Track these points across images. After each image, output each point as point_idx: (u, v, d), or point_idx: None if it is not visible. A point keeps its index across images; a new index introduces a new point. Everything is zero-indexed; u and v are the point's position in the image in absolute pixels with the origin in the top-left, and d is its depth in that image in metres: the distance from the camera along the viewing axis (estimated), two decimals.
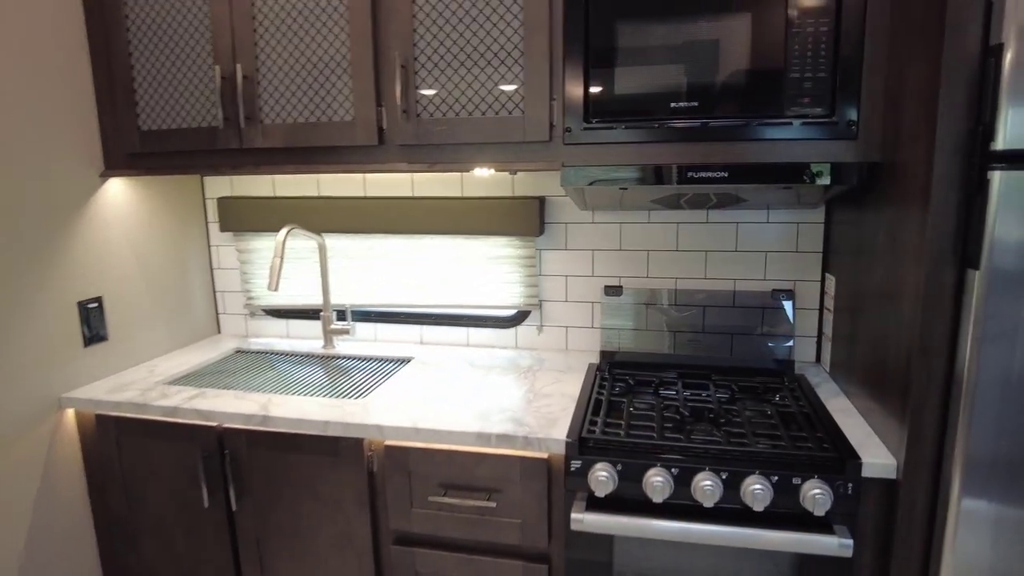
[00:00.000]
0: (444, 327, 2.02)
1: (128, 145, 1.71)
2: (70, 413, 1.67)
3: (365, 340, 2.08)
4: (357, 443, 1.44)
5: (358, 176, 1.99)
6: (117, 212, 1.80)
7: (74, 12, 1.66)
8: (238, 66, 1.57)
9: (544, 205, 1.87)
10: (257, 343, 2.09)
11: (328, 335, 2.01)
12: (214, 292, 2.19)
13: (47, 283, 1.61)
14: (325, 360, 1.96)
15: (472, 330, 2.01)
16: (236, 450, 1.52)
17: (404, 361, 1.91)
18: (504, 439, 1.34)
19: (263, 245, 2.10)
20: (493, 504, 1.37)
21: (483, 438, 1.35)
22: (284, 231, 1.78)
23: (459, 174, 1.91)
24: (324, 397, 1.58)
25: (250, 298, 2.15)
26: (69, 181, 1.66)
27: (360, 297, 2.05)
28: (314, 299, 2.10)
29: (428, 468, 1.40)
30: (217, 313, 2.21)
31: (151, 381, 1.72)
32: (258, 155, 1.64)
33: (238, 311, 2.19)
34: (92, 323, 1.72)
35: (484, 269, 1.95)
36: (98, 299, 1.74)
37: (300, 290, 2.10)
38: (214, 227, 2.15)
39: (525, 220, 1.84)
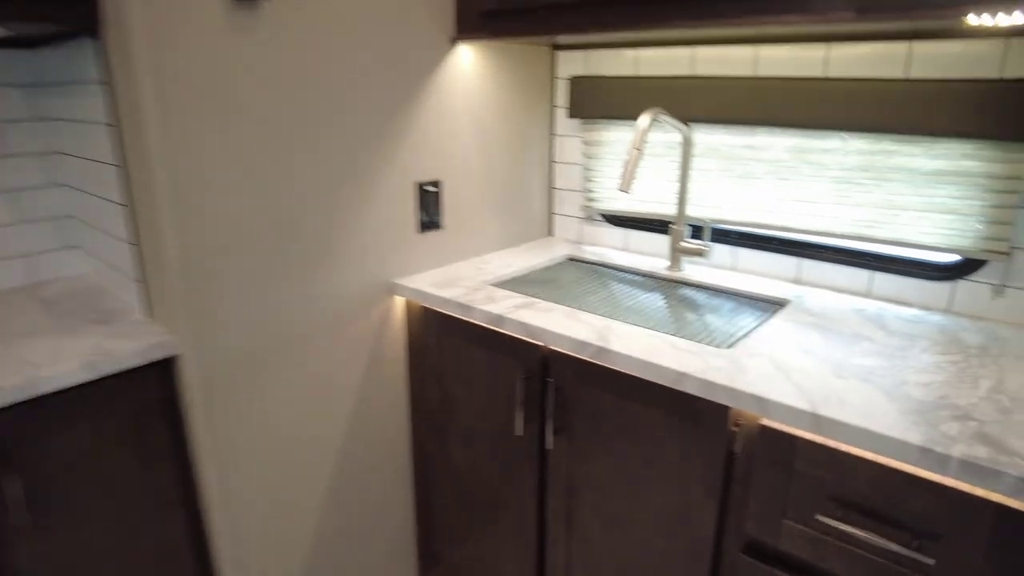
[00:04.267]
0: (834, 264, 1.48)
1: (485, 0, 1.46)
2: (400, 299, 1.58)
3: (720, 267, 1.64)
4: (720, 411, 1.04)
5: (747, 51, 1.49)
6: (464, 85, 1.59)
7: None
8: None
9: None
10: (591, 252, 1.79)
11: (676, 254, 1.61)
12: (550, 189, 1.94)
13: (393, 159, 1.48)
14: (669, 285, 1.58)
15: (877, 275, 1.43)
16: (561, 379, 1.25)
17: (776, 304, 1.44)
18: (970, 470, 0.82)
19: (616, 137, 1.75)
20: (930, 561, 0.87)
21: (930, 457, 0.85)
22: (647, 117, 1.40)
23: (905, 49, 1.29)
24: (676, 336, 1.20)
25: (589, 199, 1.84)
26: (419, 47, 1.47)
27: (723, 211, 1.60)
28: (666, 208, 1.71)
29: (823, 473, 0.95)
30: (551, 213, 1.96)
31: (478, 280, 1.54)
32: (629, 6, 1.24)
33: (574, 213, 1.91)
34: (429, 208, 1.58)
35: (916, 189, 1.34)
36: (436, 183, 1.59)
37: (650, 195, 1.73)
38: (561, 113, 1.86)
39: (1015, 117, 1.17)
